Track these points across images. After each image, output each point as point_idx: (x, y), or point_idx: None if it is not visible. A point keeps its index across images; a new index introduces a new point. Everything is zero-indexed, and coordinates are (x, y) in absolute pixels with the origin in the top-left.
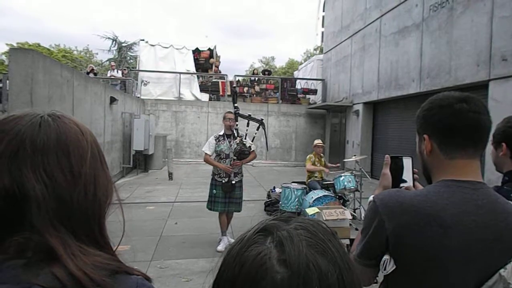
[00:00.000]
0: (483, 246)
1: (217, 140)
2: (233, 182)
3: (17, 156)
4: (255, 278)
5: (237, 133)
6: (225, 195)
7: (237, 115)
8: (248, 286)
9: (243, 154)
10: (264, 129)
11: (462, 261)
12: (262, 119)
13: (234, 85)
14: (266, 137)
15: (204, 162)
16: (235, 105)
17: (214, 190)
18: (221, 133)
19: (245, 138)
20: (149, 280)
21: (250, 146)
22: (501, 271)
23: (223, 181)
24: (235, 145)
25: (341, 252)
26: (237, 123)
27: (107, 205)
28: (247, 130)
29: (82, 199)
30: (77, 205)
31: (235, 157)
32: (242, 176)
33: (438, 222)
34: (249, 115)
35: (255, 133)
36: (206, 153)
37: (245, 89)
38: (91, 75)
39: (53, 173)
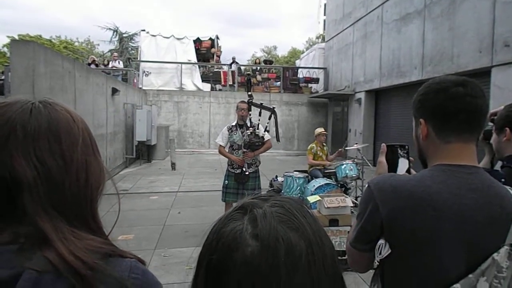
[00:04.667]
0: (476, 230)
1: (230, 131)
2: (247, 173)
3: (7, 142)
4: (229, 251)
5: (250, 123)
6: (238, 186)
7: (250, 104)
8: (223, 258)
9: (254, 145)
10: (275, 118)
11: (455, 244)
12: (273, 107)
13: (249, 73)
14: (277, 126)
15: (206, 152)
16: (249, 93)
17: (226, 181)
18: (234, 123)
19: (258, 128)
20: (143, 263)
21: (263, 136)
22: (495, 255)
23: (236, 172)
24: (246, 137)
25: (314, 228)
26: (250, 112)
27: (100, 191)
28: (259, 120)
29: (74, 184)
30: (69, 191)
31: (245, 149)
32: (257, 166)
33: (431, 206)
34: (261, 103)
35: (267, 123)
36: (220, 145)
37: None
38: (93, 66)
39: (45, 158)
